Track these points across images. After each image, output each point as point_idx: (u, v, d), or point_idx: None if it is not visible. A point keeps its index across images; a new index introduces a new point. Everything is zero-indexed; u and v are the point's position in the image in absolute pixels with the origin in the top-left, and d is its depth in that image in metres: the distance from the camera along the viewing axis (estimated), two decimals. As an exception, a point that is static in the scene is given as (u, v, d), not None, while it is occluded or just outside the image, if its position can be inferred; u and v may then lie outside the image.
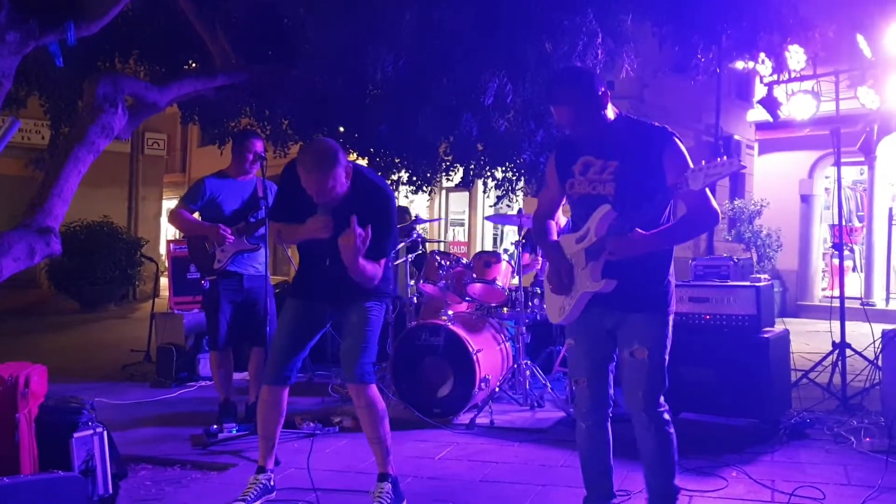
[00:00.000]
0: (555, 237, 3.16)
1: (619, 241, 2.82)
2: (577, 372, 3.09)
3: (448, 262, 5.67)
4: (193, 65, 7.23)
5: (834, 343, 5.74)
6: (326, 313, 3.64)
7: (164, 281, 8.78)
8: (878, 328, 5.27)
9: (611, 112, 2.94)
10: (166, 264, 8.40)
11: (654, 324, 2.94)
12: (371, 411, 3.45)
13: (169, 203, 22.36)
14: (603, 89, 2.87)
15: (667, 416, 2.95)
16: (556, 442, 4.56)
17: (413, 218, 6.95)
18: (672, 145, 2.86)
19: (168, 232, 17.91)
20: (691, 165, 2.80)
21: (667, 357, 2.95)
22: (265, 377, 3.64)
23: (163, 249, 17.36)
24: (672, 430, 2.96)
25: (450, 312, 5.37)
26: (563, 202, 3.24)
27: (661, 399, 2.95)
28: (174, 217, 4.98)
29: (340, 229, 3.29)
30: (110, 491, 3.48)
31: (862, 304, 9.88)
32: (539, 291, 5.75)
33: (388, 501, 3.40)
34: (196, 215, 4.99)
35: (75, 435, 3.36)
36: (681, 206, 2.93)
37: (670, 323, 2.98)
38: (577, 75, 3.00)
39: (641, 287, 2.94)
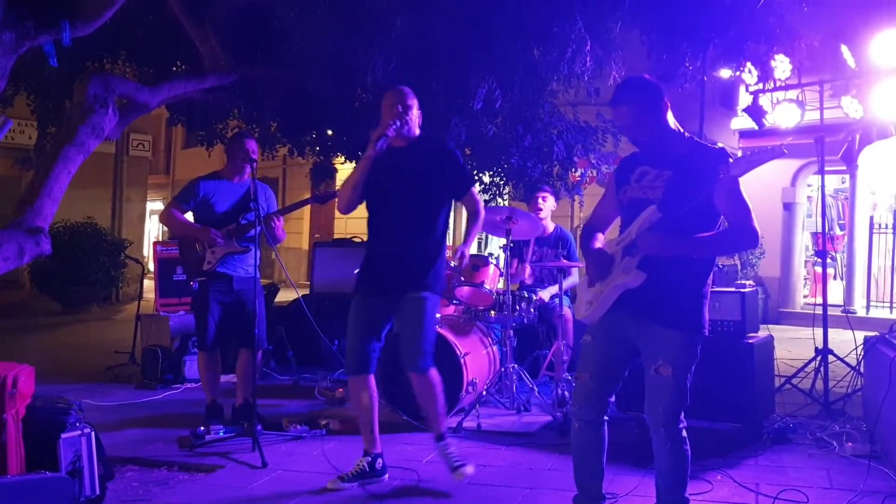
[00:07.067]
0: (598, 245, 3.16)
1: (652, 235, 2.84)
2: (583, 366, 3.09)
3: (436, 266, 5.66)
4: (183, 66, 7.22)
5: (816, 349, 5.81)
6: (387, 307, 3.92)
7: (148, 283, 8.71)
8: (859, 335, 5.35)
9: (672, 123, 2.98)
10: (151, 266, 8.35)
11: (682, 343, 2.92)
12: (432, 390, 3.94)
13: (153, 205, 22.25)
14: (665, 100, 2.92)
15: (684, 434, 2.96)
16: (543, 445, 4.59)
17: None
18: (728, 168, 2.78)
19: (152, 233, 17.81)
20: (743, 194, 2.85)
21: (690, 375, 2.94)
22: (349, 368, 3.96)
23: (146, 251, 17.29)
24: (688, 448, 2.97)
25: (437, 315, 5.38)
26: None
27: (682, 415, 2.95)
28: (166, 216, 5.00)
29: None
30: (97, 492, 3.47)
31: (843, 311, 9.96)
32: (526, 295, 5.77)
33: (454, 448, 3.93)
34: (188, 215, 5.00)
35: (63, 435, 3.36)
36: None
37: (700, 342, 2.96)
38: (641, 79, 3.05)
39: (674, 297, 2.92)
